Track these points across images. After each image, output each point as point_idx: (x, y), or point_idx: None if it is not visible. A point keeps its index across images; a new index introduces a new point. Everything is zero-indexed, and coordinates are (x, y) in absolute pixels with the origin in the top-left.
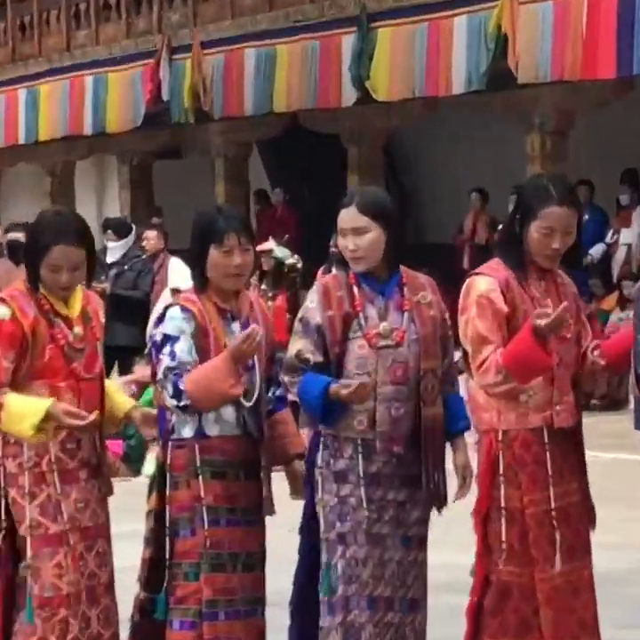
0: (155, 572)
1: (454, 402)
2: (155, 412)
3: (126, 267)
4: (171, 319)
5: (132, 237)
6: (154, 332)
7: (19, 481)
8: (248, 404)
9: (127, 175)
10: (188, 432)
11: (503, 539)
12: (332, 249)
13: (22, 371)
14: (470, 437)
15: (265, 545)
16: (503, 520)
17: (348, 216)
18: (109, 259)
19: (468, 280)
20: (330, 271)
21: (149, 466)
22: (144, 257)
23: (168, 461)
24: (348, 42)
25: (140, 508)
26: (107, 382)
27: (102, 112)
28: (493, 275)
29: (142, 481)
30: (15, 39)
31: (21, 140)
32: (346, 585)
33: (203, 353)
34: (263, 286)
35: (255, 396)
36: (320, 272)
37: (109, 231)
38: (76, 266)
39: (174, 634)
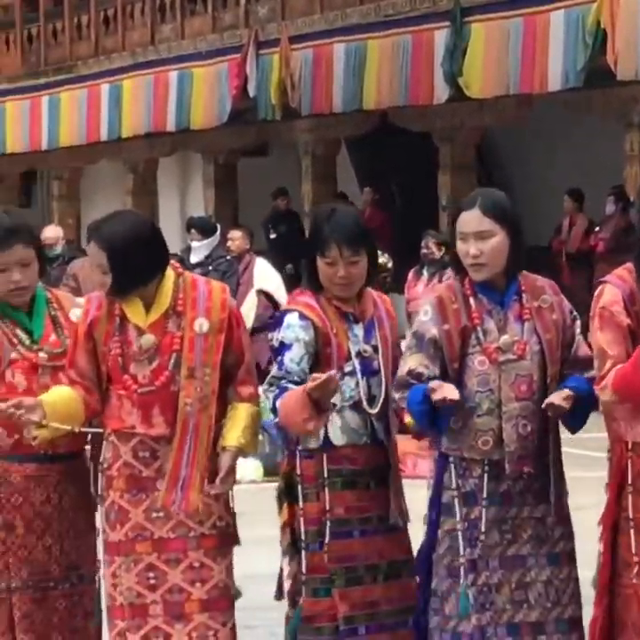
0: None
1: (573, 379)
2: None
3: (211, 267)
4: (288, 326)
5: (216, 237)
6: (272, 336)
7: (97, 481)
8: (373, 411)
9: (211, 173)
10: (314, 442)
11: (633, 551)
12: (424, 251)
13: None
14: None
15: (411, 550)
16: (632, 531)
17: (471, 219)
18: (194, 259)
19: (599, 287)
20: (421, 274)
21: (245, 471)
22: (229, 257)
23: (298, 472)
24: (440, 37)
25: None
26: (235, 407)
27: (186, 108)
28: (619, 285)
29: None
30: (98, 33)
31: (103, 137)
32: (479, 614)
33: (324, 360)
34: None
35: (380, 401)
36: (411, 275)
37: (194, 230)
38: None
39: None
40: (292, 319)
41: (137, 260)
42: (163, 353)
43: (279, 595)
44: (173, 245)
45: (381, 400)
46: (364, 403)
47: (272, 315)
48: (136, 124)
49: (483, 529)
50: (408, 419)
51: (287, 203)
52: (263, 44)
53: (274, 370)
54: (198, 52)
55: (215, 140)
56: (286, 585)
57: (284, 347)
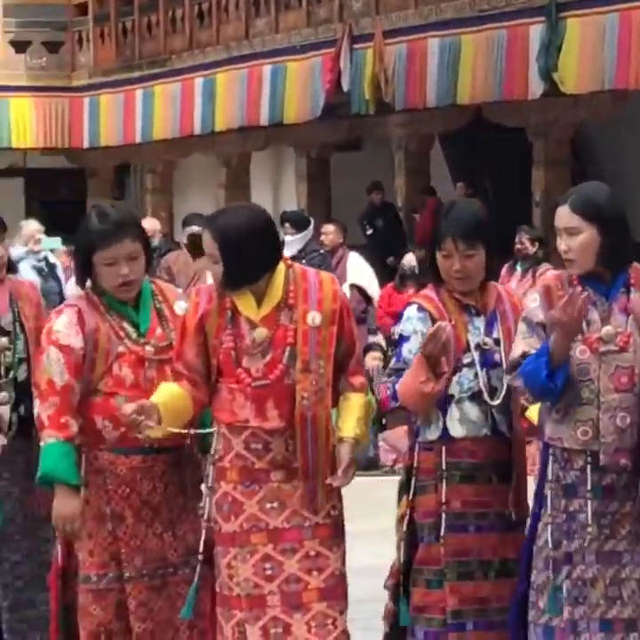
0: (406, 579)
1: None
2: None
3: (304, 261)
4: (407, 318)
5: (310, 231)
6: (394, 329)
7: (209, 471)
8: (494, 403)
9: (304, 167)
10: (433, 434)
11: None
12: (518, 246)
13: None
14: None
15: None
16: None
17: (561, 215)
18: (287, 252)
19: None
20: (514, 269)
21: None
22: (322, 252)
23: (415, 464)
24: (535, 32)
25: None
26: (348, 397)
27: (280, 102)
28: None
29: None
30: (193, 27)
31: (197, 131)
32: (573, 607)
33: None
34: None
35: (502, 393)
36: (504, 270)
37: (287, 224)
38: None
39: None
40: (410, 311)
41: (250, 252)
42: (276, 346)
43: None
44: None
45: (503, 392)
46: (485, 394)
47: (365, 309)
48: (229, 118)
49: (586, 521)
50: (529, 411)
51: (382, 196)
52: (357, 38)
53: (393, 362)
54: (292, 47)
55: (308, 134)
56: (392, 577)
57: (402, 339)
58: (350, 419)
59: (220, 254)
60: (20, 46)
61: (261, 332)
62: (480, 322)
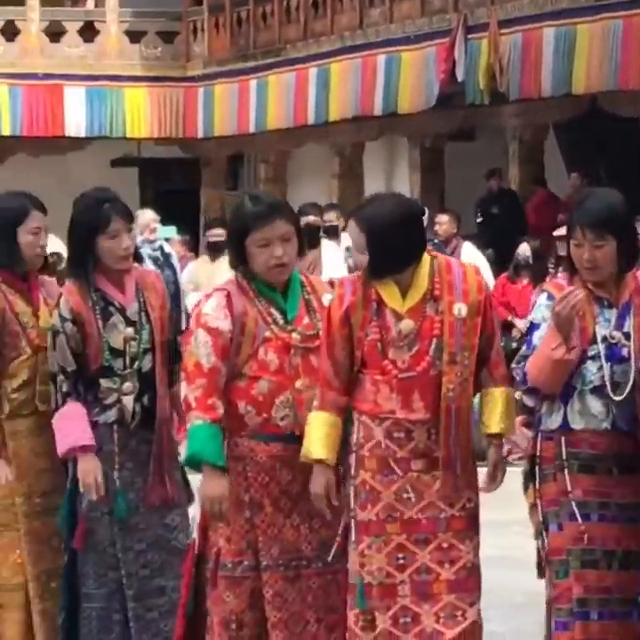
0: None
1: None
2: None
3: None
4: (538, 306)
5: (424, 221)
6: (528, 318)
7: (348, 460)
8: (617, 398)
9: (418, 157)
10: (553, 424)
11: None
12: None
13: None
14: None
15: None
16: None
17: None
18: None
19: None
20: None
21: None
22: (436, 241)
23: (538, 453)
24: None
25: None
26: (491, 392)
27: (394, 92)
28: None
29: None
30: (307, 17)
31: (310, 121)
32: None
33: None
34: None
35: (627, 389)
36: None
37: None
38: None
39: (554, 634)
40: (541, 299)
41: (396, 242)
42: (422, 338)
43: (540, 573)
44: None
45: (628, 388)
46: (608, 389)
47: None
48: (343, 108)
49: None
50: None
51: (499, 183)
52: (472, 28)
53: (523, 349)
54: (407, 36)
55: (422, 124)
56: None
57: (533, 326)
58: (495, 413)
59: (366, 244)
60: (134, 36)
61: (408, 324)
62: (611, 314)
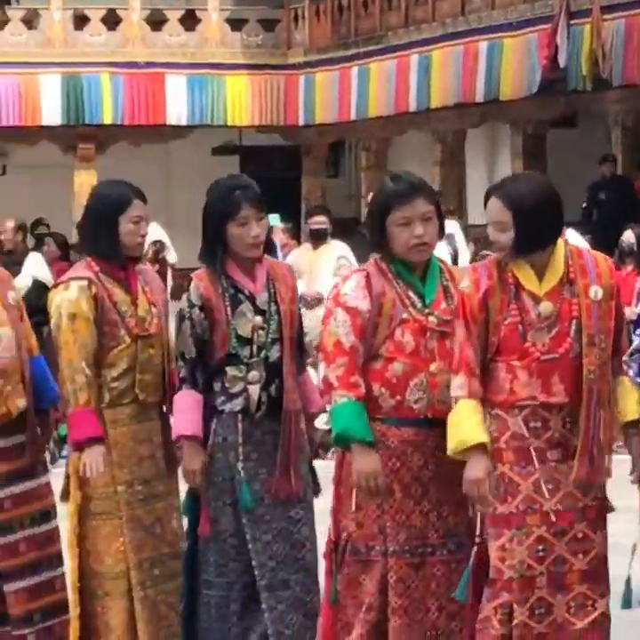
0: None
1: None
2: None
3: None
4: None
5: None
6: (632, 310)
7: None
8: None
9: (520, 144)
10: None
11: None
12: None
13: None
14: None
15: None
16: None
17: None
18: None
19: None
20: None
21: None
22: None
23: None
24: None
25: None
26: (622, 381)
27: (496, 78)
28: None
29: None
30: (408, 4)
31: (412, 108)
32: None
33: None
34: None
35: None
36: None
37: None
38: None
39: None
40: None
41: (543, 218)
42: (562, 320)
43: None
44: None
45: None
46: None
47: None
48: (445, 95)
49: None
50: None
51: (612, 168)
52: (574, 14)
53: (635, 342)
54: (508, 23)
55: (524, 110)
56: None
57: None
58: (630, 400)
59: (512, 220)
60: (236, 24)
61: (547, 306)
62: None
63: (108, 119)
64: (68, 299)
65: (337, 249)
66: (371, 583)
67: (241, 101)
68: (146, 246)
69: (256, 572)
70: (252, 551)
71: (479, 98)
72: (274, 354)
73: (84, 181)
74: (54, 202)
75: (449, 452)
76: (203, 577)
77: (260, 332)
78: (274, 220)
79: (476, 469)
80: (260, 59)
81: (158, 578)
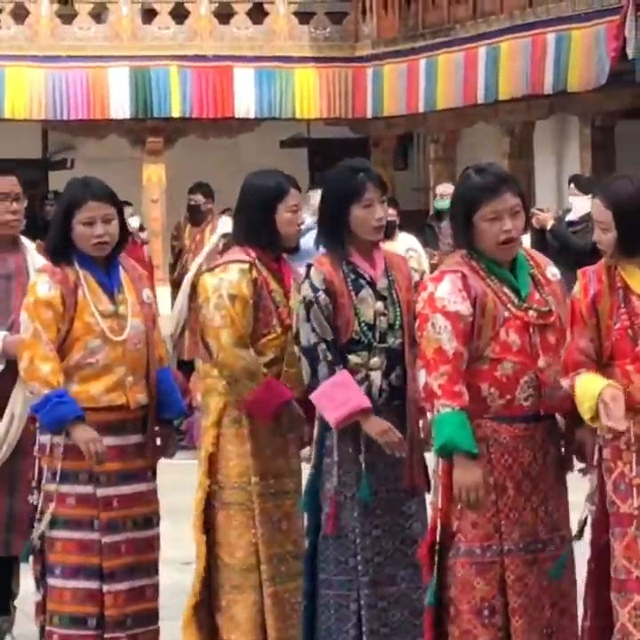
0: None
1: None
2: None
3: (589, 225)
4: None
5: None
6: None
7: (602, 454)
8: None
9: (589, 136)
10: None
11: None
12: None
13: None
14: None
15: None
16: None
17: None
18: (571, 216)
19: None
20: None
21: None
22: None
23: None
24: None
25: None
26: None
27: (564, 70)
28: None
29: None
30: None
31: (480, 100)
32: None
33: None
34: None
35: None
36: None
37: (572, 185)
38: None
39: None
40: None
41: None
42: None
43: None
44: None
45: None
46: None
47: None
48: (513, 87)
49: None
50: None
51: None
52: None
53: None
54: (577, 14)
55: (593, 102)
56: None
57: None
58: None
59: (614, 221)
60: (303, 17)
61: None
62: None
63: (176, 112)
64: (228, 280)
65: (405, 241)
66: (488, 586)
67: (309, 94)
68: (216, 239)
69: (359, 568)
70: (359, 546)
71: (547, 89)
72: (395, 341)
73: (152, 175)
74: (122, 195)
75: (588, 415)
76: (321, 576)
77: (382, 317)
78: None
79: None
80: (327, 51)
81: (284, 575)
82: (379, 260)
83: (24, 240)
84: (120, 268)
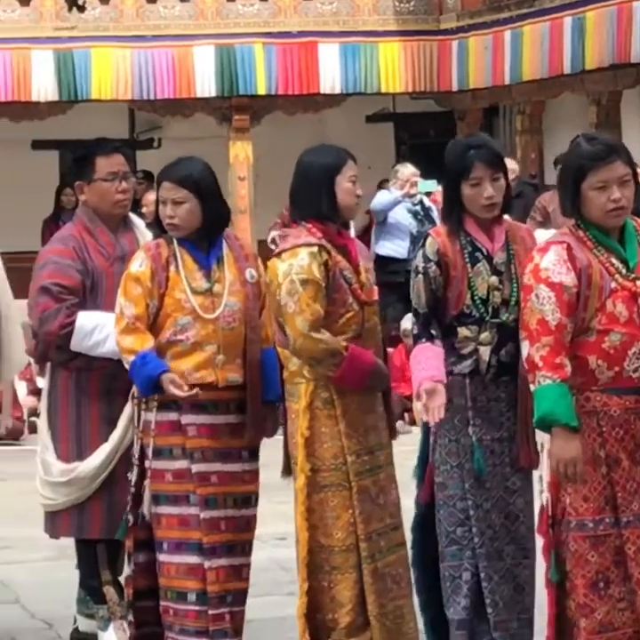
0: None
1: None
2: None
3: None
4: None
5: None
6: None
7: None
8: None
9: None
10: None
11: None
12: None
13: None
14: None
15: None
16: None
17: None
18: None
19: None
20: None
21: None
22: None
23: None
24: None
25: None
26: None
27: None
28: None
29: None
30: None
31: (566, 70)
32: None
33: None
34: None
35: None
36: None
37: None
38: None
39: None
40: None
41: None
42: None
43: None
44: None
45: None
46: None
47: None
48: (599, 56)
49: None
50: None
51: None
52: None
53: None
54: None
55: None
56: None
57: None
58: None
59: None
60: None
61: None
62: None
63: (261, 90)
64: (298, 265)
65: None
66: (601, 558)
67: (394, 68)
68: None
69: (475, 540)
70: (473, 518)
71: (634, 58)
72: (509, 316)
73: (239, 152)
74: None
75: None
76: (438, 549)
77: (496, 292)
78: (432, 184)
79: None
80: (412, 25)
81: (384, 550)
82: (499, 234)
83: (133, 218)
84: (224, 246)
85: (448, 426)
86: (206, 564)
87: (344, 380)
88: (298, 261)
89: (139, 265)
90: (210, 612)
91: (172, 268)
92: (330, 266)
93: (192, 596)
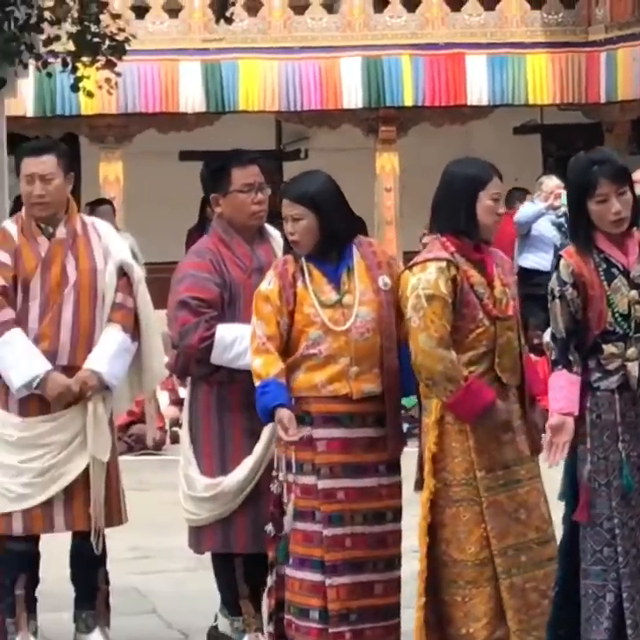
0: None
1: None
2: None
3: None
4: None
5: None
6: None
7: None
8: None
9: None
10: None
11: None
12: None
13: None
14: None
15: None
16: None
17: None
18: None
19: None
20: None
21: None
22: None
23: None
24: None
25: None
26: None
27: None
28: None
29: None
30: None
31: None
32: None
33: None
34: None
35: None
36: None
37: None
38: None
39: None
40: None
41: None
42: None
43: None
44: None
45: None
46: None
47: None
48: None
49: None
50: None
51: None
52: None
53: None
54: None
55: None
56: None
57: None
58: None
59: None
60: (535, 2)
61: None
62: None
63: (408, 101)
64: (426, 280)
65: None
66: None
67: (542, 80)
68: None
69: (620, 559)
70: (619, 537)
71: None
72: None
73: (385, 163)
74: (356, 185)
75: None
76: (582, 566)
77: (637, 306)
78: None
79: None
80: (560, 36)
81: (526, 564)
82: (632, 247)
83: (269, 229)
84: (355, 254)
85: (596, 443)
86: (327, 582)
87: (455, 409)
88: (426, 276)
89: (268, 283)
90: (330, 630)
91: (299, 284)
92: (458, 281)
93: (314, 614)
